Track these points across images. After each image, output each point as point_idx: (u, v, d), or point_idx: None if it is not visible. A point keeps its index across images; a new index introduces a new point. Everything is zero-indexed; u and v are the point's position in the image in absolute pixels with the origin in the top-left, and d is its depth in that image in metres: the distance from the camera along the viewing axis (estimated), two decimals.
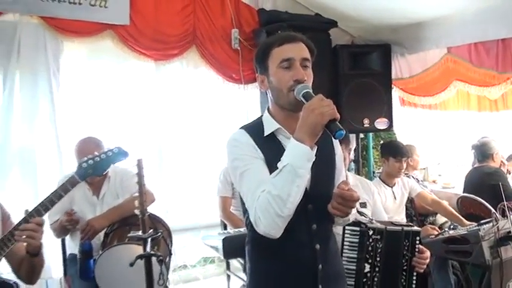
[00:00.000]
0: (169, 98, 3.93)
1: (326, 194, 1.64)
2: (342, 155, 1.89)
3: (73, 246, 2.96)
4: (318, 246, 1.66)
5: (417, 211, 4.00)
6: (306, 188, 1.61)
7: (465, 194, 3.75)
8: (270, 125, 1.67)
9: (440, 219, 4.08)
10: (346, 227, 2.28)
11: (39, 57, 3.32)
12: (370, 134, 4.88)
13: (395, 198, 3.66)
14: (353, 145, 4.45)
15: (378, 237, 2.24)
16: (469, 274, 2.97)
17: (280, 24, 3.79)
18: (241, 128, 1.72)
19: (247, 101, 4.15)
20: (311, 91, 1.55)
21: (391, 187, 3.68)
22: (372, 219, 2.37)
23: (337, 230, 2.27)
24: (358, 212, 2.41)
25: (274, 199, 1.45)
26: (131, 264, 1.96)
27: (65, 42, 3.44)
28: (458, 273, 3.24)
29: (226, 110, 4.17)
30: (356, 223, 2.30)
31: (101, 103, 3.74)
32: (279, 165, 1.47)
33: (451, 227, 3.43)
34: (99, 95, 3.74)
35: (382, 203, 3.47)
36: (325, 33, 3.97)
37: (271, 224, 1.49)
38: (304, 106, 1.47)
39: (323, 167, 1.69)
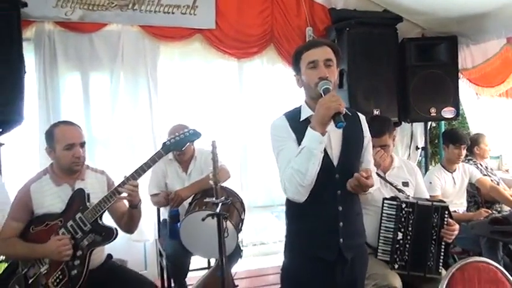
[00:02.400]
0: (251, 92, 4.40)
1: (352, 168, 2.03)
2: (370, 139, 2.23)
3: (165, 213, 3.59)
4: (340, 208, 2.02)
5: (483, 198, 4.05)
6: (333, 163, 2.03)
7: None
8: (305, 112, 2.09)
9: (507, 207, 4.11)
10: (385, 201, 2.64)
11: (139, 60, 3.91)
12: (443, 123, 4.92)
13: (454, 183, 3.81)
14: (422, 134, 4.66)
15: (410, 210, 2.57)
16: None
17: (348, 21, 4.11)
18: (284, 114, 2.16)
19: None
20: (330, 87, 1.92)
21: (451, 173, 3.83)
22: (408, 196, 2.68)
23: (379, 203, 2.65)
24: (397, 189, 2.75)
25: (296, 173, 1.88)
26: (203, 219, 2.45)
27: (161, 47, 4.01)
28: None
29: (300, 103, 4.55)
30: (394, 198, 2.65)
31: (192, 97, 4.28)
32: (300, 147, 1.88)
33: None
34: (190, 91, 4.27)
35: (441, 187, 3.70)
36: (392, 28, 4.19)
37: (295, 192, 1.92)
38: (318, 101, 1.86)
39: (350, 147, 2.08)
